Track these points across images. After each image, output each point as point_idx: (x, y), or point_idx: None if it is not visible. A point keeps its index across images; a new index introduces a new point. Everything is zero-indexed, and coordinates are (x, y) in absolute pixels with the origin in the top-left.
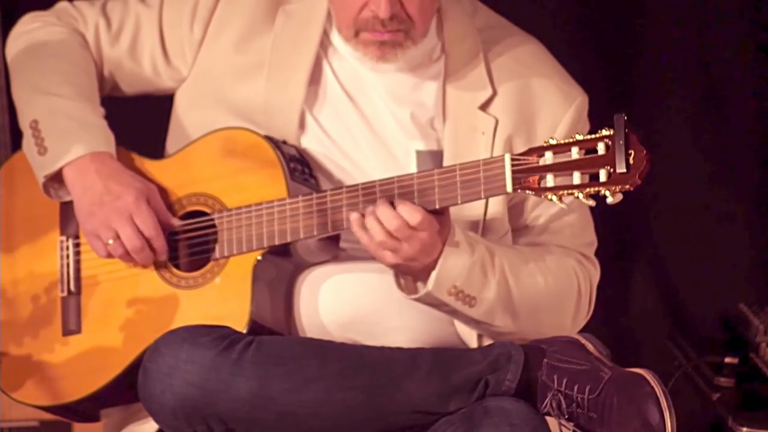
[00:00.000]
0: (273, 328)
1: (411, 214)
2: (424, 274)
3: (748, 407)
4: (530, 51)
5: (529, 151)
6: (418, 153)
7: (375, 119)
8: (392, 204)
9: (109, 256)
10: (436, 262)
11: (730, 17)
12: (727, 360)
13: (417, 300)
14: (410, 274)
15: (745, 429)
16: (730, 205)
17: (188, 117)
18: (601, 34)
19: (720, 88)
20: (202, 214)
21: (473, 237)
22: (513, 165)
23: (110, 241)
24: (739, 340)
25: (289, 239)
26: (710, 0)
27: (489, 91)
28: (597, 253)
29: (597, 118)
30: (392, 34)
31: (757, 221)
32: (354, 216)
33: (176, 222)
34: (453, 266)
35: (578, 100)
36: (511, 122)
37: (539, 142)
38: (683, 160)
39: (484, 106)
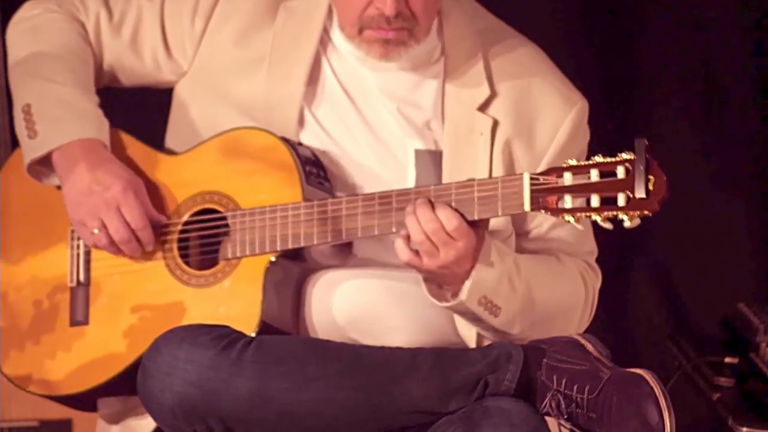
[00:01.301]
0: (281, 330)
1: (448, 218)
2: (453, 281)
3: (748, 407)
4: (530, 55)
5: (549, 171)
6: (417, 152)
7: (373, 118)
8: (432, 205)
9: (95, 245)
10: (469, 272)
11: (730, 18)
12: (727, 360)
13: (447, 308)
14: (439, 281)
15: (745, 429)
16: (730, 206)
17: (188, 111)
18: (600, 37)
19: (720, 90)
20: (215, 212)
21: (502, 247)
22: (532, 184)
23: (95, 231)
24: (739, 340)
25: (302, 244)
26: (710, 1)
27: (487, 92)
28: (598, 252)
29: (596, 122)
30: (397, 32)
31: (757, 221)
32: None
33: (162, 217)
34: (485, 277)
35: (578, 105)
36: (510, 124)
37: (539, 146)
38: (683, 161)
39: (483, 107)
